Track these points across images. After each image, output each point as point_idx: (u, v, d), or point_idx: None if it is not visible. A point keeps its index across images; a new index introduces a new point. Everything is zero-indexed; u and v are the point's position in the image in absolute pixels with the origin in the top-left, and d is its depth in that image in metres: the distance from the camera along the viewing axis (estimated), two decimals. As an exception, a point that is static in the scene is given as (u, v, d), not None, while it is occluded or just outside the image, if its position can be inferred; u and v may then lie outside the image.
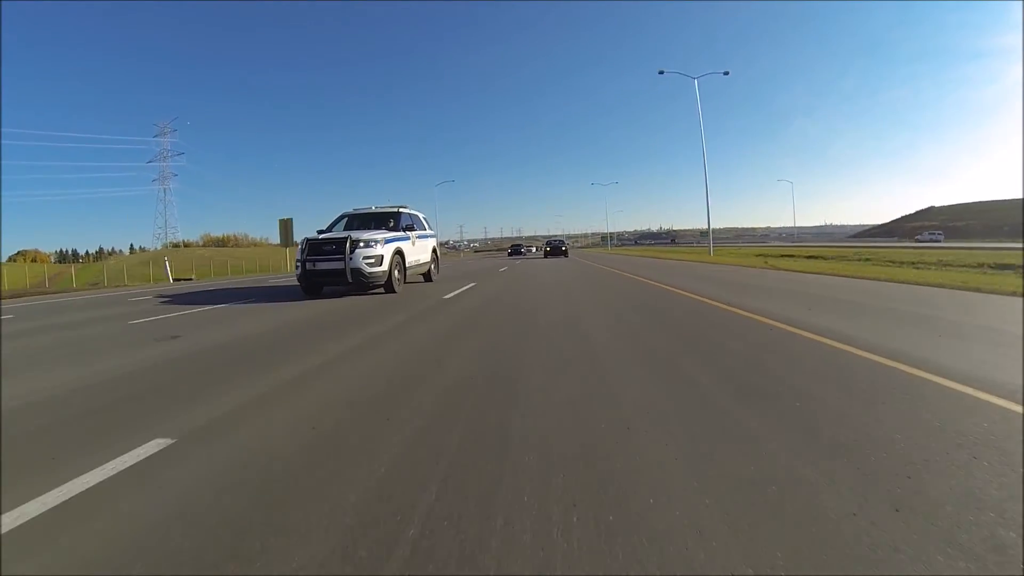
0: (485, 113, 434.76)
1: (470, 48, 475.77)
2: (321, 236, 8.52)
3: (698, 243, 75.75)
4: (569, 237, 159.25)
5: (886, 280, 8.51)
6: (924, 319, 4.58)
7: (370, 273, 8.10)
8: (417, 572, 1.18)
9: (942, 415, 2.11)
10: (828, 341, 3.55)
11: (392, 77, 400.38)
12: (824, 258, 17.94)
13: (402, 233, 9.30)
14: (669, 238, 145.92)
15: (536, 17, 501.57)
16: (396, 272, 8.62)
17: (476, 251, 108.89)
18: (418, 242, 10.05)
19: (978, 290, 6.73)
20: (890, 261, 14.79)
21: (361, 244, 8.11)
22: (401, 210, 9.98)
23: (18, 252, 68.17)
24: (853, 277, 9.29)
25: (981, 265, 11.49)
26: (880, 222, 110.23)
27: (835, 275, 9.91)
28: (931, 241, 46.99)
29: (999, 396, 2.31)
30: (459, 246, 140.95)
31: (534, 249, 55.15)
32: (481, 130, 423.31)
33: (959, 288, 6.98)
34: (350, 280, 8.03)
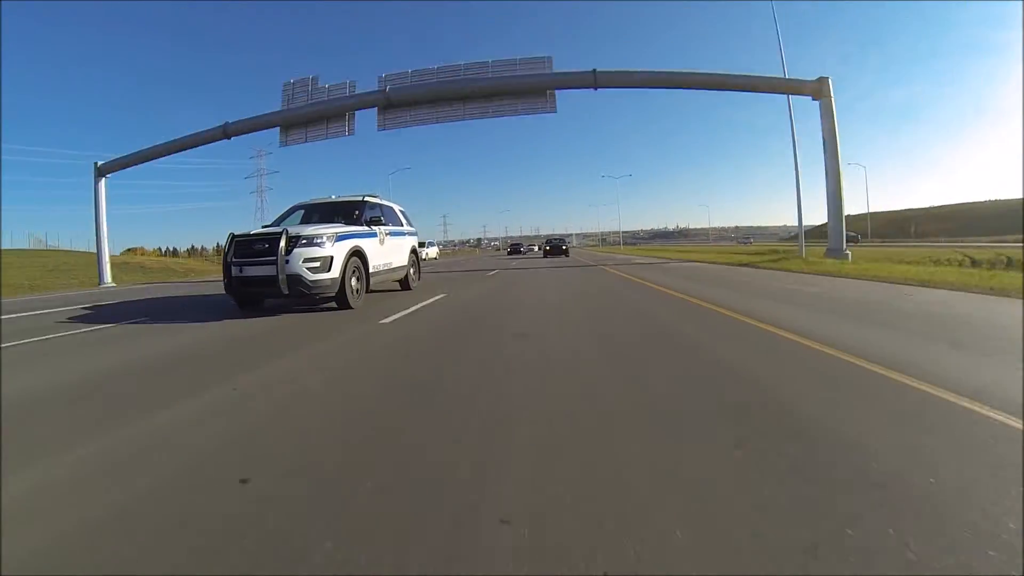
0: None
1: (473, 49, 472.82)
2: (252, 232, 6.42)
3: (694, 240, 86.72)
4: (584, 236, 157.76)
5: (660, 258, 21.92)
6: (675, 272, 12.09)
7: (313, 281, 5.92)
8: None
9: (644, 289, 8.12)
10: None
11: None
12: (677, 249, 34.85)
13: (365, 228, 7.12)
14: (680, 236, 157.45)
15: (542, 17, 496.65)
16: (353, 280, 6.46)
17: (497, 249, 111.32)
18: (388, 240, 7.76)
19: (704, 262, 16.39)
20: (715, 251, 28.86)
21: (302, 241, 5.96)
22: (366, 199, 7.79)
23: (127, 249, 79.07)
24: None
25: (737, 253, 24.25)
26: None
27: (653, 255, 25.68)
28: (742, 242, 79.26)
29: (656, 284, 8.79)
30: (481, 244, 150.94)
31: (535, 248, 52.43)
32: (489, 130, 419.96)
33: (698, 261, 17.12)
34: (286, 291, 5.89)
